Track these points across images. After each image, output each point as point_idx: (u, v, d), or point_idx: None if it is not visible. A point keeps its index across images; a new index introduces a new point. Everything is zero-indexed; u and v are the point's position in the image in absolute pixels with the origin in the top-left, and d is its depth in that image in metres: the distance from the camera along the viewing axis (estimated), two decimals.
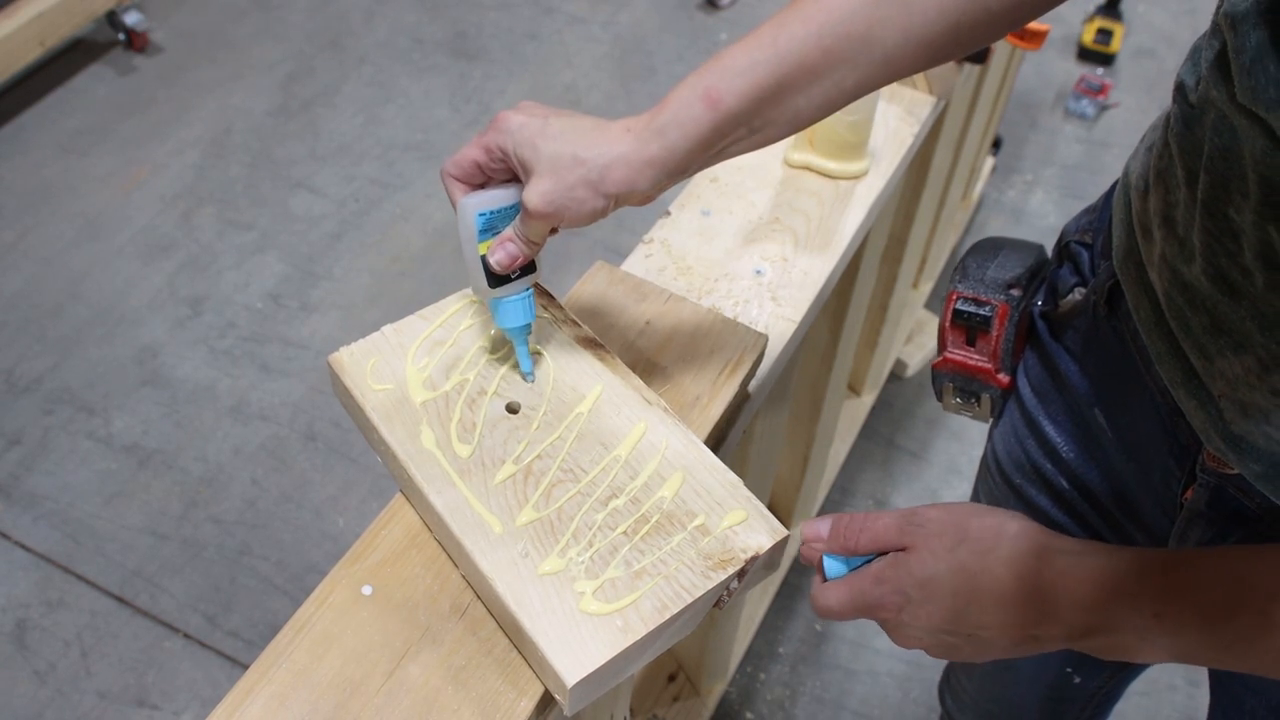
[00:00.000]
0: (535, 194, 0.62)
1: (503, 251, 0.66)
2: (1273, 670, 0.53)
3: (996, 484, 0.85)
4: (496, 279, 0.68)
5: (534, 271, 0.70)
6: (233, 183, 2.26)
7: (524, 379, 0.74)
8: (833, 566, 0.63)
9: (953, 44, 0.60)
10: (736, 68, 0.60)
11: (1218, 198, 0.53)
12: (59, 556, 1.64)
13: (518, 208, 0.66)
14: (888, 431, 1.90)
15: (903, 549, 0.59)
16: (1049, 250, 0.81)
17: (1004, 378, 0.79)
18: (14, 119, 2.36)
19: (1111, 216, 0.70)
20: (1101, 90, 2.56)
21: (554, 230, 0.67)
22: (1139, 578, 0.54)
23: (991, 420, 0.84)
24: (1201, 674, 1.32)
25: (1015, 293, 0.77)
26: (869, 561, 0.62)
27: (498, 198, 0.67)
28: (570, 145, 0.61)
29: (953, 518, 0.59)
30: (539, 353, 0.76)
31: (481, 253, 0.67)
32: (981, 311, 0.77)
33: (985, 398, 0.80)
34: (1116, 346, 0.69)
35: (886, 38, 0.59)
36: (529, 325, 0.71)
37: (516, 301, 0.70)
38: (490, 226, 0.67)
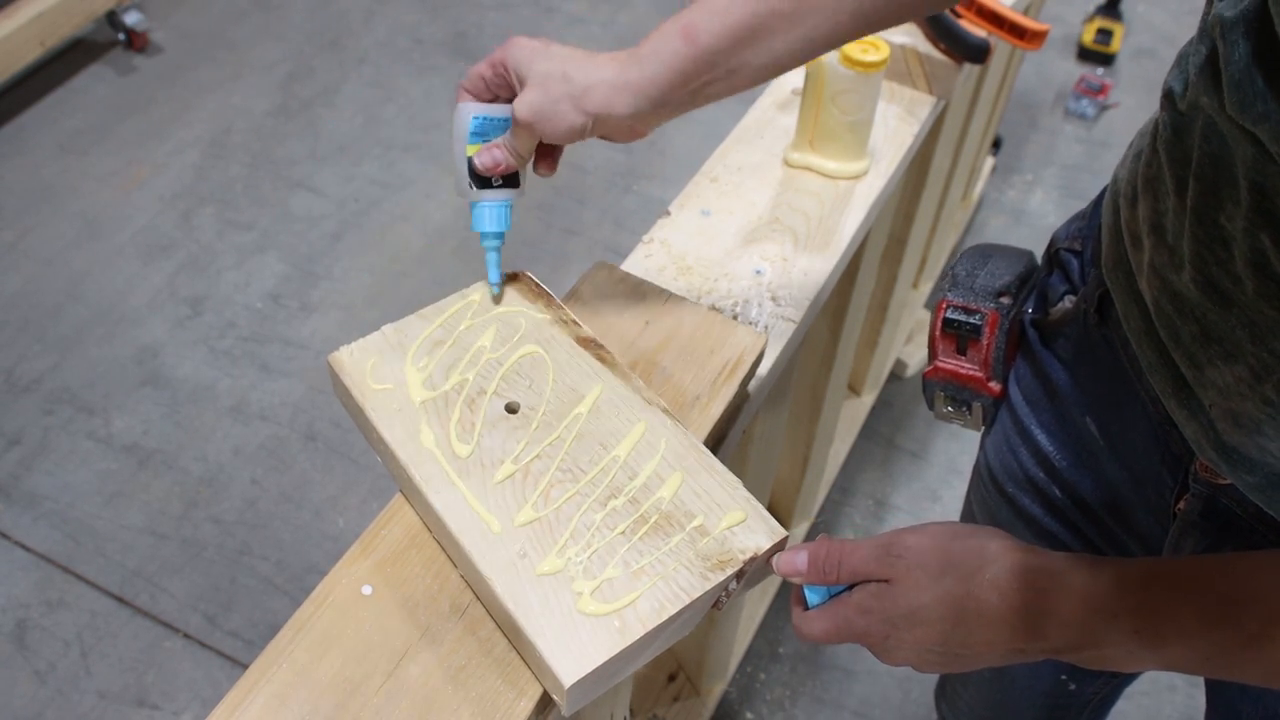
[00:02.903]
0: (523, 103, 0.67)
1: (489, 155, 0.72)
2: (1258, 680, 0.53)
3: (989, 492, 0.85)
4: (480, 181, 0.74)
5: (517, 187, 0.76)
6: (233, 183, 2.26)
7: (491, 291, 0.78)
8: (812, 593, 0.63)
9: None
10: (715, 7, 0.64)
11: (1208, 205, 0.52)
12: (59, 556, 1.64)
13: (510, 122, 0.71)
14: (888, 431, 1.90)
15: (884, 580, 0.59)
16: (1038, 256, 0.80)
17: (995, 386, 0.78)
18: (14, 119, 2.36)
19: (1101, 224, 0.69)
20: (1101, 90, 2.56)
21: (546, 159, 0.73)
22: (1118, 595, 0.54)
23: (983, 429, 0.83)
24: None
25: (1005, 300, 0.76)
26: (850, 588, 0.61)
27: (493, 108, 0.72)
28: (561, 65, 0.67)
29: (933, 544, 0.58)
30: (538, 351, 0.76)
31: (470, 154, 0.73)
32: (971, 320, 0.77)
33: (977, 406, 0.80)
34: (1108, 355, 0.69)
35: None
36: (502, 235, 0.76)
37: (495, 207, 0.75)
38: (482, 132, 0.72)
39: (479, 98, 0.72)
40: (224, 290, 2.04)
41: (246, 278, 2.07)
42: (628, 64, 0.66)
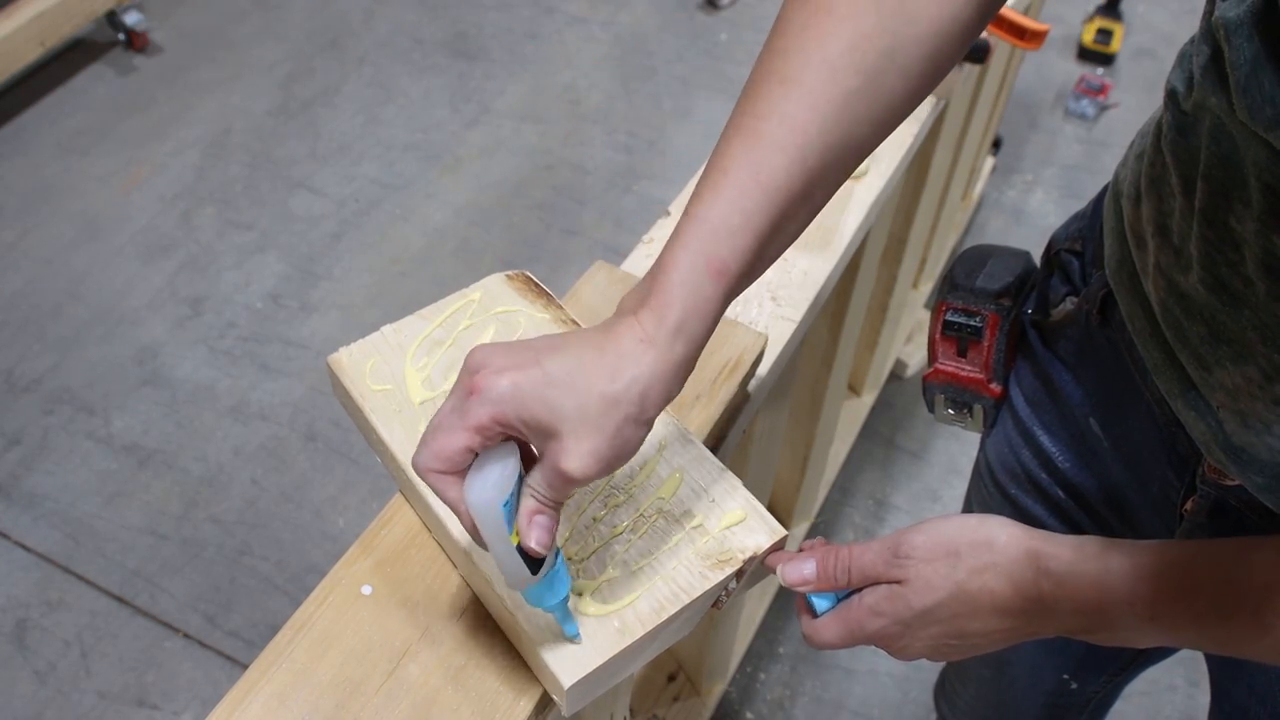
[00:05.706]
0: (579, 458, 0.50)
1: (539, 530, 0.53)
2: (1268, 659, 0.53)
3: (990, 493, 0.85)
4: (538, 561, 0.55)
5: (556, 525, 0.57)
6: (233, 183, 2.26)
7: (576, 640, 0.60)
8: (820, 600, 0.63)
9: (910, 109, 0.58)
10: (731, 226, 0.53)
11: (1217, 206, 0.52)
12: (59, 556, 1.64)
13: (520, 472, 0.54)
14: (888, 431, 1.90)
15: (895, 581, 0.59)
16: (1036, 257, 0.80)
17: (996, 388, 0.78)
18: (14, 119, 2.36)
19: (1102, 225, 0.69)
20: (1101, 90, 2.56)
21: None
22: (1132, 582, 0.54)
23: (984, 430, 0.83)
24: (1202, 673, 1.32)
25: (1005, 302, 0.76)
26: (858, 590, 0.61)
27: (505, 476, 0.53)
28: (590, 386, 0.50)
29: (942, 540, 0.58)
30: None
31: (515, 543, 0.54)
32: (972, 322, 0.76)
33: (978, 408, 0.80)
34: (1111, 356, 0.68)
35: (862, 137, 0.56)
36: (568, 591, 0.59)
37: (556, 572, 0.58)
38: (512, 512, 0.54)
39: (459, 472, 0.53)
40: (224, 290, 2.04)
41: (246, 278, 2.07)
42: (667, 342, 0.51)
